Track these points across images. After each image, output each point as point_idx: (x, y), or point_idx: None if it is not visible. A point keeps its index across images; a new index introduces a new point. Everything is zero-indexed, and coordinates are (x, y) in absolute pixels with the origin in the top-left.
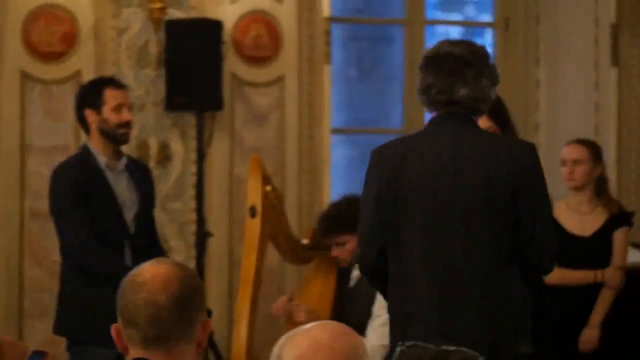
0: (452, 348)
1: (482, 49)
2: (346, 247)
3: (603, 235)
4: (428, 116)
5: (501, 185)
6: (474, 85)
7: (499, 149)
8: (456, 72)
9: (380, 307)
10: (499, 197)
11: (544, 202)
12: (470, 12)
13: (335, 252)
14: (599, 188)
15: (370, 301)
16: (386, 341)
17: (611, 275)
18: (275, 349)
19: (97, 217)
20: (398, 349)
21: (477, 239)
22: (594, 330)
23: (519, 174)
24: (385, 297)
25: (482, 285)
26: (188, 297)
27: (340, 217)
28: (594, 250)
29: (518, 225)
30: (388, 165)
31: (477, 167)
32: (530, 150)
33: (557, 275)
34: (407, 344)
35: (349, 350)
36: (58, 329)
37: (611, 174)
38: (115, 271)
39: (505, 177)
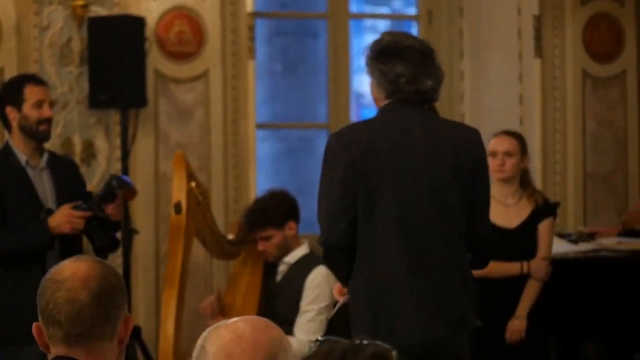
0: (365, 342)
1: (427, 42)
2: (272, 241)
3: (528, 227)
4: (354, 109)
5: (466, 166)
6: (435, 76)
7: (460, 133)
8: (421, 64)
9: (307, 302)
10: (465, 177)
11: (489, 187)
12: (397, 5)
13: (262, 246)
14: (523, 180)
15: (298, 297)
16: (314, 336)
17: (537, 267)
18: (199, 341)
19: (18, 215)
20: (313, 344)
21: (449, 217)
22: (520, 320)
23: (477, 157)
24: (342, 280)
25: (453, 263)
26: (108, 294)
27: (265, 212)
28: (519, 242)
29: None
30: (356, 147)
31: (446, 148)
32: (480, 137)
33: None
34: (321, 339)
35: (271, 343)
36: None
37: (536, 165)
38: (16, 243)
39: (469, 159)
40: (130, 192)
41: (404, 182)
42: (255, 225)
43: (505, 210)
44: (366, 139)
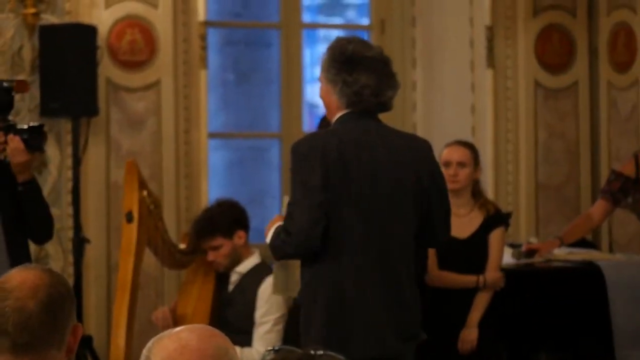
0: (320, 352)
1: (382, 50)
2: (221, 250)
3: (479, 237)
4: (307, 119)
5: (423, 178)
6: (394, 86)
7: (415, 144)
8: (383, 75)
9: (262, 313)
10: (422, 188)
11: (447, 195)
12: (351, 15)
13: (211, 256)
14: (475, 190)
15: (250, 307)
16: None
17: (494, 279)
18: (144, 351)
19: None
20: (267, 353)
21: (407, 230)
22: (472, 330)
23: (432, 168)
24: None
25: (410, 277)
26: (57, 303)
27: (213, 221)
28: (471, 251)
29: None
30: (329, 156)
31: (405, 160)
32: (432, 148)
33: (439, 279)
34: (275, 348)
35: (217, 352)
36: None
37: (488, 175)
38: None
39: (425, 170)
40: (20, 83)
41: (369, 194)
42: (204, 234)
43: (457, 221)
44: (336, 148)
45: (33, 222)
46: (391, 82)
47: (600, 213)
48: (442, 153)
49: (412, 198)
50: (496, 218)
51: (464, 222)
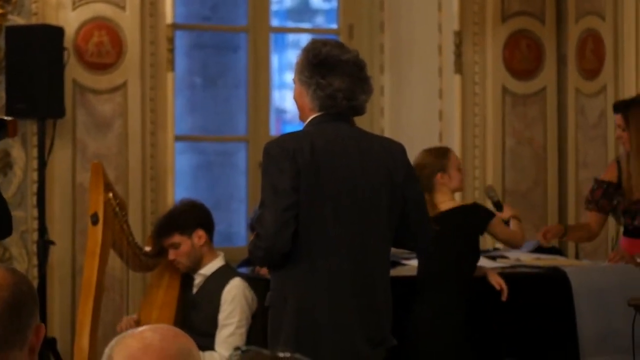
0: (288, 354)
1: (358, 52)
2: (181, 249)
3: None
4: (274, 124)
5: (397, 181)
6: (368, 91)
7: (389, 147)
8: (357, 79)
9: (225, 316)
10: (397, 191)
11: (422, 192)
12: (319, 20)
13: (172, 255)
14: None
15: (215, 309)
16: None
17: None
18: (107, 350)
19: None
20: (234, 353)
21: (382, 234)
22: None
23: (407, 169)
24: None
25: (383, 281)
26: (20, 302)
27: (171, 218)
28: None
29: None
30: (300, 158)
31: (379, 163)
32: (405, 150)
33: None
34: (243, 348)
35: (179, 352)
36: None
37: None
38: None
39: (400, 172)
40: (15, 124)
41: (343, 197)
42: (162, 232)
43: None
44: (309, 151)
45: None
46: (365, 86)
47: (594, 223)
48: (454, 158)
49: (386, 200)
50: None
51: None
